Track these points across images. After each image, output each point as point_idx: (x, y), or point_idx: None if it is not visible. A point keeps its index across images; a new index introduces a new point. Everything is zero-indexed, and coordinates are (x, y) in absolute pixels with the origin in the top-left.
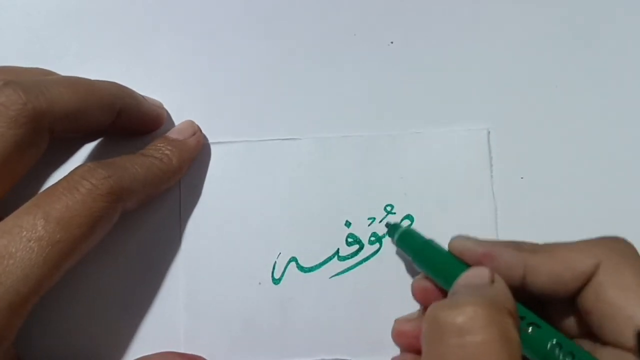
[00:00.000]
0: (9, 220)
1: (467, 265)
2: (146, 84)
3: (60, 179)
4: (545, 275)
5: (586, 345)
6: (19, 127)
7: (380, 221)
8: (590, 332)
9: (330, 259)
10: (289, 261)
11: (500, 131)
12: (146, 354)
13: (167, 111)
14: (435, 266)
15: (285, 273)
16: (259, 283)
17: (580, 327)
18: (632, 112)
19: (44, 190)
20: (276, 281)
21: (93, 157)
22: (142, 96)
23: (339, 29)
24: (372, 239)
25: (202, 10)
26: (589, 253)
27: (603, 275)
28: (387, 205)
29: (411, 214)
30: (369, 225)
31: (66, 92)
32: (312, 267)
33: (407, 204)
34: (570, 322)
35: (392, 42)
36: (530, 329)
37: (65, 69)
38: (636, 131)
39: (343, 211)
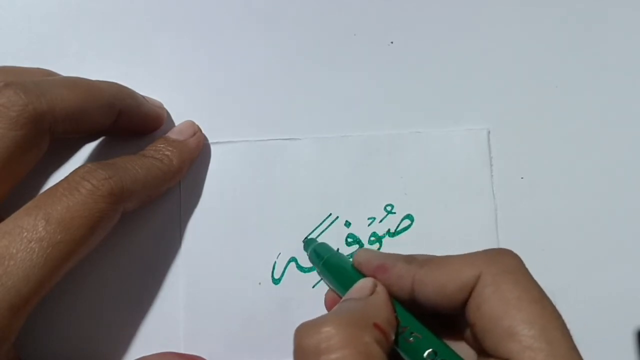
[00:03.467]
0: (10, 221)
1: (362, 278)
2: (146, 84)
3: (61, 180)
4: (431, 287)
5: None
6: (20, 129)
7: (381, 221)
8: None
9: (314, 266)
10: (289, 261)
11: (500, 131)
12: (146, 354)
13: (167, 111)
14: (337, 278)
15: (285, 273)
16: (259, 283)
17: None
18: (632, 112)
19: (45, 191)
20: (276, 281)
21: (93, 157)
22: (142, 96)
23: (339, 29)
24: (372, 239)
25: (202, 10)
26: (471, 265)
27: (482, 287)
28: (387, 205)
29: (411, 213)
30: (369, 225)
31: (67, 93)
32: (312, 267)
33: (407, 204)
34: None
35: (392, 42)
36: (412, 339)
37: (65, 69)
38: (636, 131)
39: (343, 211)
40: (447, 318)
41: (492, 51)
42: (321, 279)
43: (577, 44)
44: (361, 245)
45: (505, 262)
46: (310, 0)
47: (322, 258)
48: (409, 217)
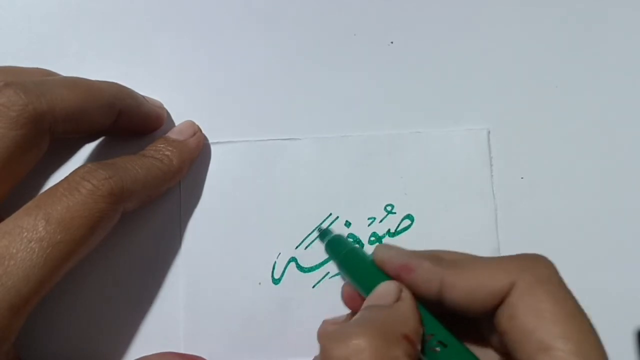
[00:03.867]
0: (10, 221)
1: (386, 277)
2: (146, 84)
3: (61, 180)
4: (461, 291)
5: None
6: (20, 128)
7: (381, 221)
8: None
9: (330, 259)
10: (289, 261)
11: (500, 131)
12: (146, 354)
13: (167, 111)
14: (356, 276)
15: (285, 273)
16: (259, 283)
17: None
18: (632, 112)
19: (45, 191)
20: (276, 281)
21: (93, 157)
22: (143, 96)
23: (339, 29)
24: (372, 239)
25: (202, 10)
26: (504, 272)
27: (516, 297)
28: (387, 205)
29: (411, 214)
30: (369, 225)
31: (67, 93)
32: (311, 267)
33: (407, 204)
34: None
35: (392, 42)
36: (438, 348)
37: (65, 69)
38: (636, 131)
39: (343, 211)
40: (472, 319)
41: (492, 51)
42: (322, 278)
43: (577, 44)
44: (362, 245)
45: (540, 270)
46: (310, 0)
47: (340, 253)
48: (409, 217)
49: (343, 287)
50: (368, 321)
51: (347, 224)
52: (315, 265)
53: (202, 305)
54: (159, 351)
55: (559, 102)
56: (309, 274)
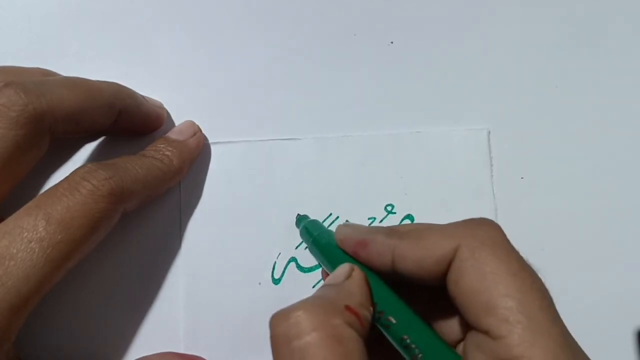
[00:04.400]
0: (10, 221)
1: (347, 257)
2: (146, 84)
3: (61, 180)
4: (410, 261)
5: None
6: (20, 128)
7: (381, 221)
8: None
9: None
10: (289, 261)
11: (500, 131)
12: (146, 354)
13: (167, 111)
14: (324, 258)
15: (285, 273)
16: (259, 283)
17: None
18: (632, 112)
19: (45, 191)
20: (276, 281)
21: (94, 157)
22: (143, 96)
23: (339, 29)
24: None
25: (202, 10)
26: (449, 237)
27: (460, 261)
28: (387, 205)
29: (411, 213)
30: (369, 225)
31: (67, 93)
32: (311, 267)
33: (407, 203)
34: None
35: (392, 42)
36: (387, 324)
37: (65, 69)
38: (636, 131)
39: (343, 211)
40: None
41: (492, 51)
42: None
43: (577, 44)
44: None
45: (483, 234)
46: (310, 0)
47: (312, 236)
48: (409, 217)
49: (321, 271)
50: (312, 297)
51: None
52: (316, 265)
53: (202, 305)
54: (159, 351)
55: (559, 102)
56: (309, 274)
